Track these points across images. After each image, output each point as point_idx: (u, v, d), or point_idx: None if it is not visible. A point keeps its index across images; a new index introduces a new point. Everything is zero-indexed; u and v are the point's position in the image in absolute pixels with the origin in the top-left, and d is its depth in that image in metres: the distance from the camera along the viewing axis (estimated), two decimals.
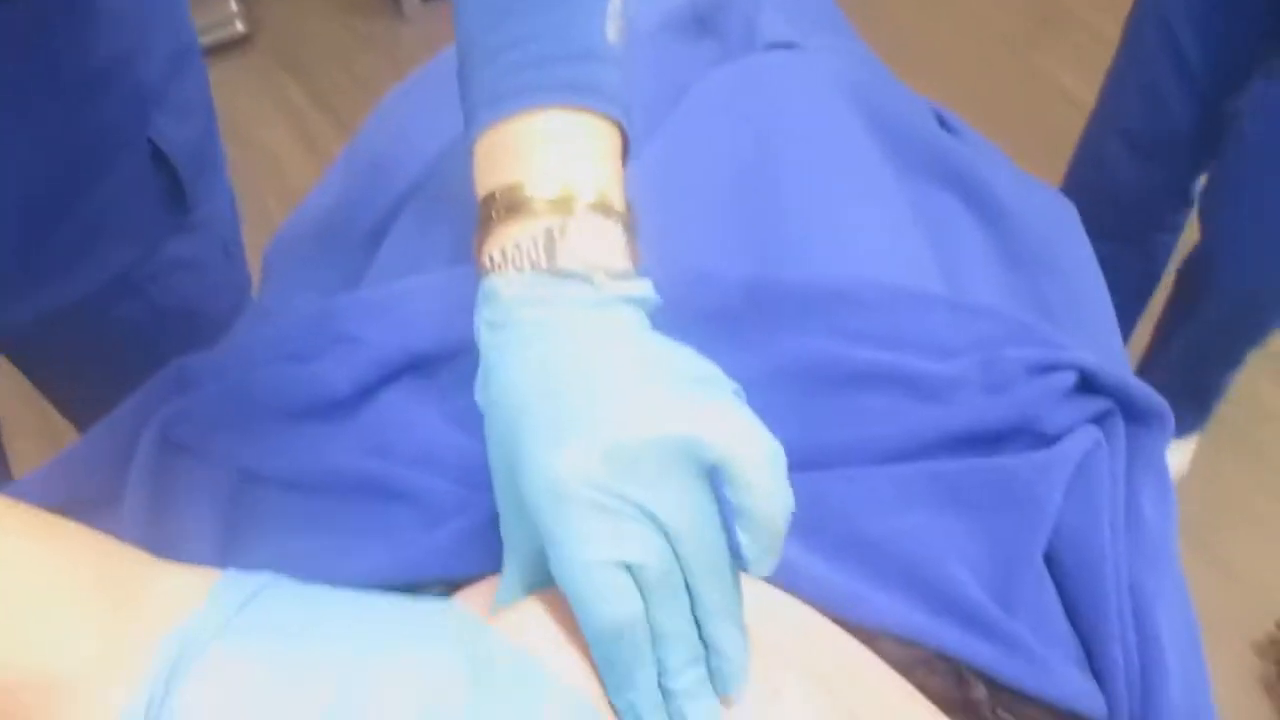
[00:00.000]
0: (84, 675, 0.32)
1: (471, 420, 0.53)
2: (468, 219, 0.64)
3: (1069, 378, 0.52)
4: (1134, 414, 0.53)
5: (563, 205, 0.44)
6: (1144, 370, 1.56)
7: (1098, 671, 0.47)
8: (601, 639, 0.36)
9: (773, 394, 0.51)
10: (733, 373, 0.51)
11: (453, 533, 0.48)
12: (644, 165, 0.64)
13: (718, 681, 0.37)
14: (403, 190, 0.70)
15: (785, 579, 0.43)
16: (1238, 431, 1.58)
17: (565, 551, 0.36)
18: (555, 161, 0.46)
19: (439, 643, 0.36)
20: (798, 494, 0.46)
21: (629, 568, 0.35)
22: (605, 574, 0.35)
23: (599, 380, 0.38)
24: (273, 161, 2.19)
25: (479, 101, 0.48)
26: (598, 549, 0.35)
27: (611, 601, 0.35)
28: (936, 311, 0.54)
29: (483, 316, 0.43)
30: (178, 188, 0.75)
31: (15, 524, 0.34)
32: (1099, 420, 0.53)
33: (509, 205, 0.44)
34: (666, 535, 0.36)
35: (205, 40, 2.23)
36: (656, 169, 0.63)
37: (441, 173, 0.68)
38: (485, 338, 0.43)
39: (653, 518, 0.36)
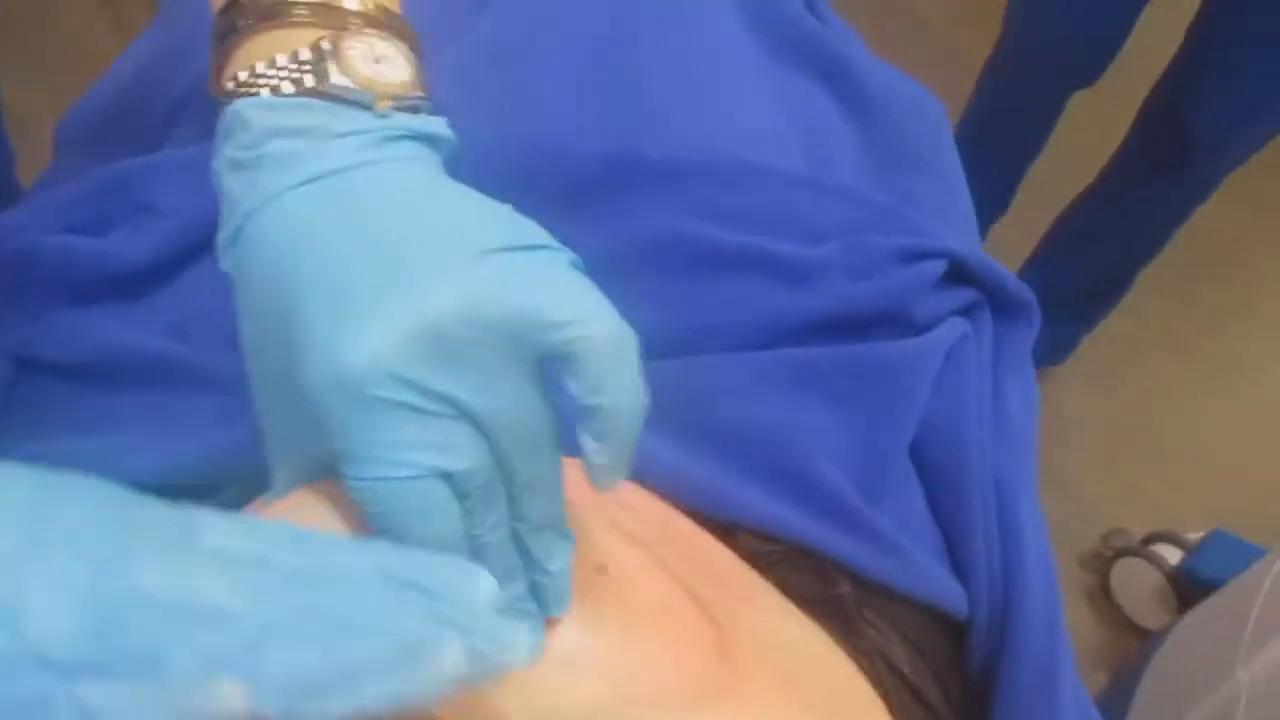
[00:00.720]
0: None
1: None
2: None
3: (938, 266, 0.50)
4: (1001, 308, 0.51)
5: (331, 13, 0.35)
6: (1034, 265, 1.55)
7: (959, 566, 0.46)
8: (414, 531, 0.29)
9: (628, 274, 0.47)
10: (586, 250, 0.46)
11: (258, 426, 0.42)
12: (486, 35, 0.58)
13: (540, 599, 0.32)
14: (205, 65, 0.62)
15: (635, 467, 0.39)
16: (1077, 350, 1.64)
17: (366, 464, 0.28)
18: None
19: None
20: (652, 379, 0.41)
21: (446, 476, 0.29)
22: (420, 488, 0.28)
23: (396, 242, 0.30)
24: (88, 57, 2.01)
25: None
26: (409, 458, 0.28)
27: (431, 521, 0.29)
28: (802, 192, 0.51)
29: (224, 154, 0.32)
30: None
31: None
32: (966, 312, 0.50)
33: (262, 12, 0.34)
34: (487, 436, 0.29)
35: None
36: (501, 38, 0.58)
37: None
38: (230, 181, 0.32)
39: (472, 416, 0.29)
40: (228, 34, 0.35)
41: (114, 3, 2.10)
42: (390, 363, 0.28)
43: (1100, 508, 1.54)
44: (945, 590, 0.44)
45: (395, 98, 0.34)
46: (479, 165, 0.47)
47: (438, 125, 0.34)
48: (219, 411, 0.42)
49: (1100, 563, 1.50)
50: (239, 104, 0.33)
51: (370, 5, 0.35)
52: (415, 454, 0.28)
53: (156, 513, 0.24)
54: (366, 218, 0.30)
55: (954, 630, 0.46)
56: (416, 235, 0.30)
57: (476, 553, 0.30)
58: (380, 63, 0.34)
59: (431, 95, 0.36)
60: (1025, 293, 0.51)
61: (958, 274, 0.51)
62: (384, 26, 0.35)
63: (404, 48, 0.35)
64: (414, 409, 0.28)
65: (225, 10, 0.35)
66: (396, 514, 0.29)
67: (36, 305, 0.47)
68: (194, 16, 0.67)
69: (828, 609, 0.40)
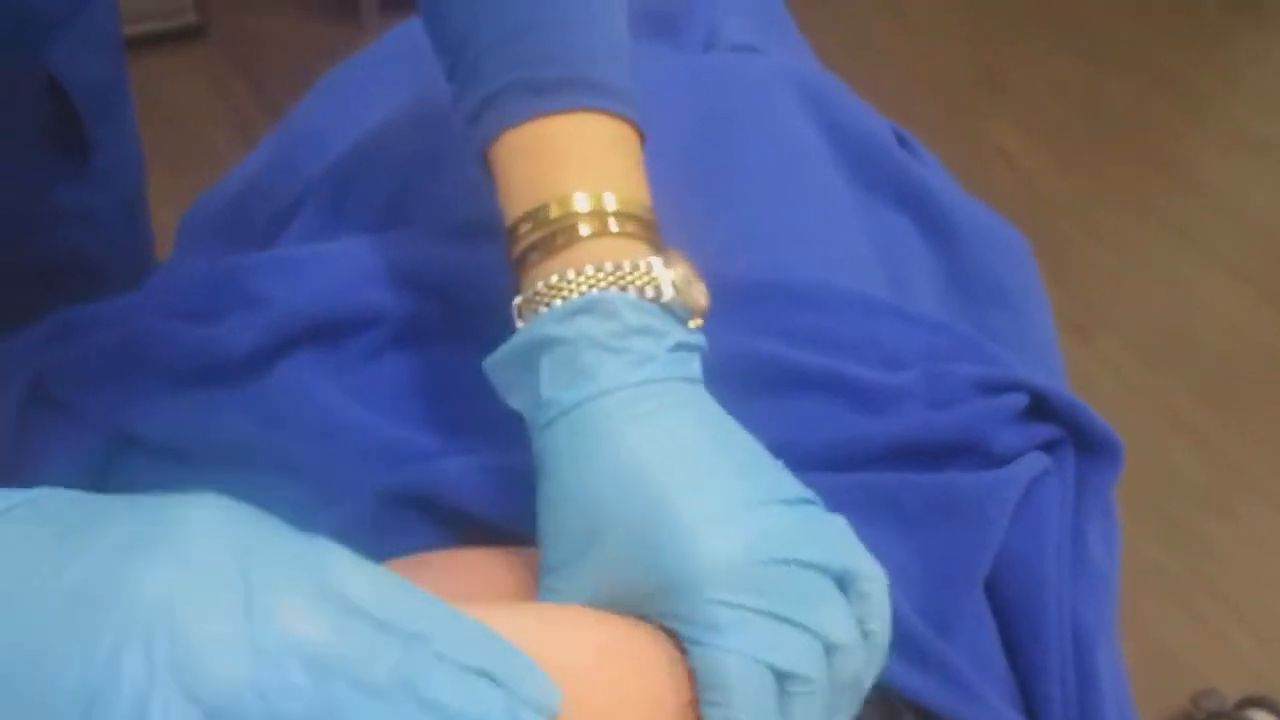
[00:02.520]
0: None
1: (374, 397, 0.48)
2: (389, 188, 0.61)
3: (1019, 400, 0.49)
4: (1084, 446, 0.51)
5: (650, 229, 0.41)
6: None
7: (1032, 712, 0.44)
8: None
9: (713, 389, 0.47)
10: None
11: (341, 516, 0.43)
12: None
13: None
14: (332, 161, 0.66)
15: None
16: (1157, 505, 1.59)
17: (718, 634, 0.32)
18: (627, 176, 0.41)
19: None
20: None
21: (780, 676, 0.32)
22: (752, 669, 0.32)
23: (738, 464, 0.36)
24: (210, 157, 2.13)
25: (491, 93, 0.42)
26: (757, 648, 0.32)
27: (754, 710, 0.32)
28: (884, 319, 0.51)
29: (588, 331, 0.37)
30: (76, 129, 0.69)
31: None
32: (1048, 448, 0.50)
33: (598, 217, 0.40)
34: (828, 655, 0.33)
35: (155, 27, 2.18)
36: None
37: (371, 143, 0.64)
38: (591, 357, 0.37)
39: (818, 634, 0.33)
40: (566, 231, 0.40)
41: (240, 111, 2.24)
42: (751, 568, 0.33)
43: (1189, 667, 1.47)
44: None
45: (701, 315, 0.40)
46: None
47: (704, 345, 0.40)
48: (307, 499, 0.44)
49: None
50: (611, 294, 0.38)
51: (656, 220, 0.41)
52: (754, 635, 0.32)
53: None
54: (711, 433, 0.37)
55: None
56: (747, 464, 0.36)
57: None
58: (691, 284, 0.40)
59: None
60: (1109, 433, 0.50)
61: (1040, 409, 0.50)
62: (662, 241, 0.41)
63: (696, 270, 0.41)
64: (759, 610, 0.32)
65: (536, 212, 0.40)
66: (727, 677, 0.32)
67: (141, 386, 0.49)
68: (311, 129, 0.71)
69: None
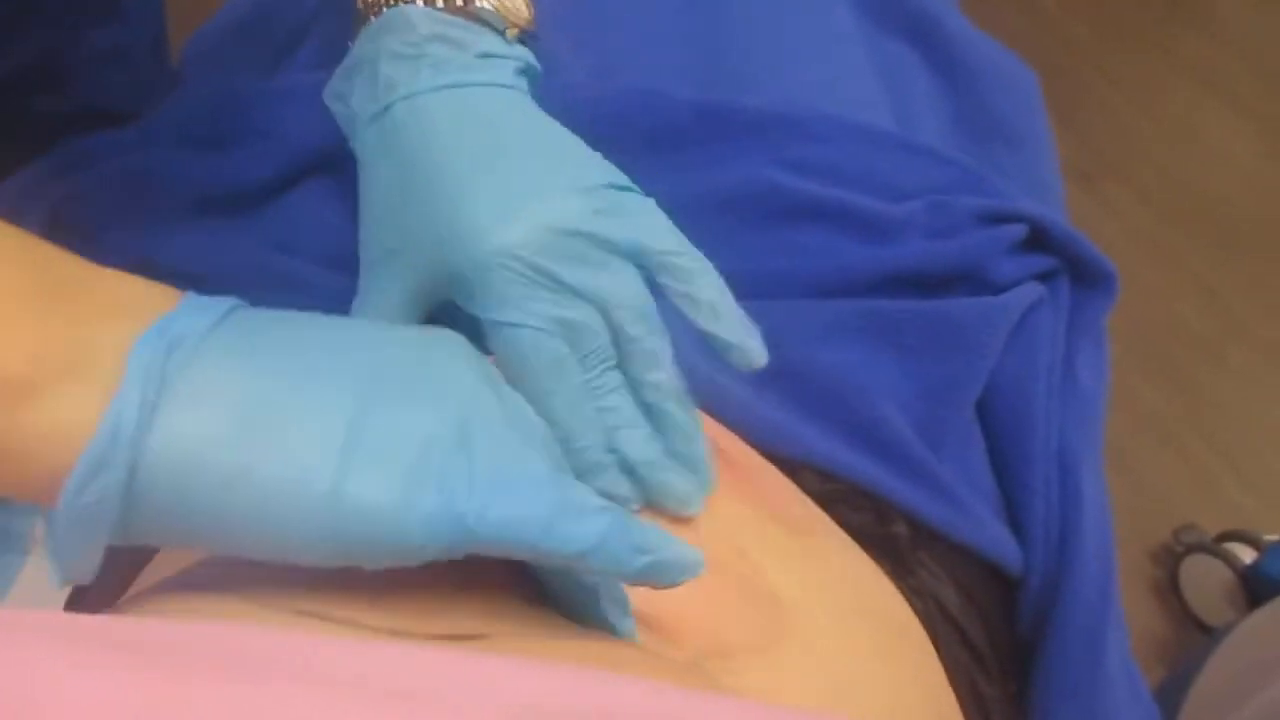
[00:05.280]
0: (27, 380, 0.25)
1: None
2: None
3: (1018, 230, 0.50)
4: (1079, 277, 0.52)
5: None
6: None
7: (1016, 525, 0.47)
8: (544, 376, 0.34)
9: (711, 218, 0.48)
10: (673, 193, 0.48)
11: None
12: None
13: (681, 463, 0.36)
14: None
15: (711, 402, 0.40)
16: (1154, 350, 1.61)
17: (505, 312, 0.34)
18: None
19: (459, 360, 0.31)
20: None
21: (569, 331, 0.34)
22: (546, 341, 0.34)
23: (533, 157, 0.37)
24: None
25: None
26: (540, 312, 0.34)
27: (556, 371, 0.34)
28: (887, 150, 0.52)
29: (386, 44, 0.39)
30: None
31: None
32: (1044, 279, 0.51)
33: None
34: (604, 313, 0.35)
35: None
36: None
37: None
38: (388, 68, 0.39)
39: (591, 297, 0.35)
40: None
41: None
42: (534, 248, 0.34)
43: (1172, 502, 1.52)
44: (1000, 544, 0.45)
45: (520, 29, 0.40)
46: (572, 103, 0.49)
47: (533, 59, 0.41)
48: None
49: (1170, 558, 1.48)
50: (405, 7, 0.39)
51: None
52: (544, 309, 0.34)
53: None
54: (508, 131, 0.38)
55: (1006, 587, 0.47)
56: (547, 155, 0.37)
57: (603, 413, 0.35)
58: None
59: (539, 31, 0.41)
60: (1105, 264, 0.51)
61: (1038, 241, 0.51)
62: None
63: None
64: (545, 286, 0.34)
65: None
66: (527, 360, 0.34)
67: (155, 214, 0.50)
68: None
69: (882, 548, 0.41)
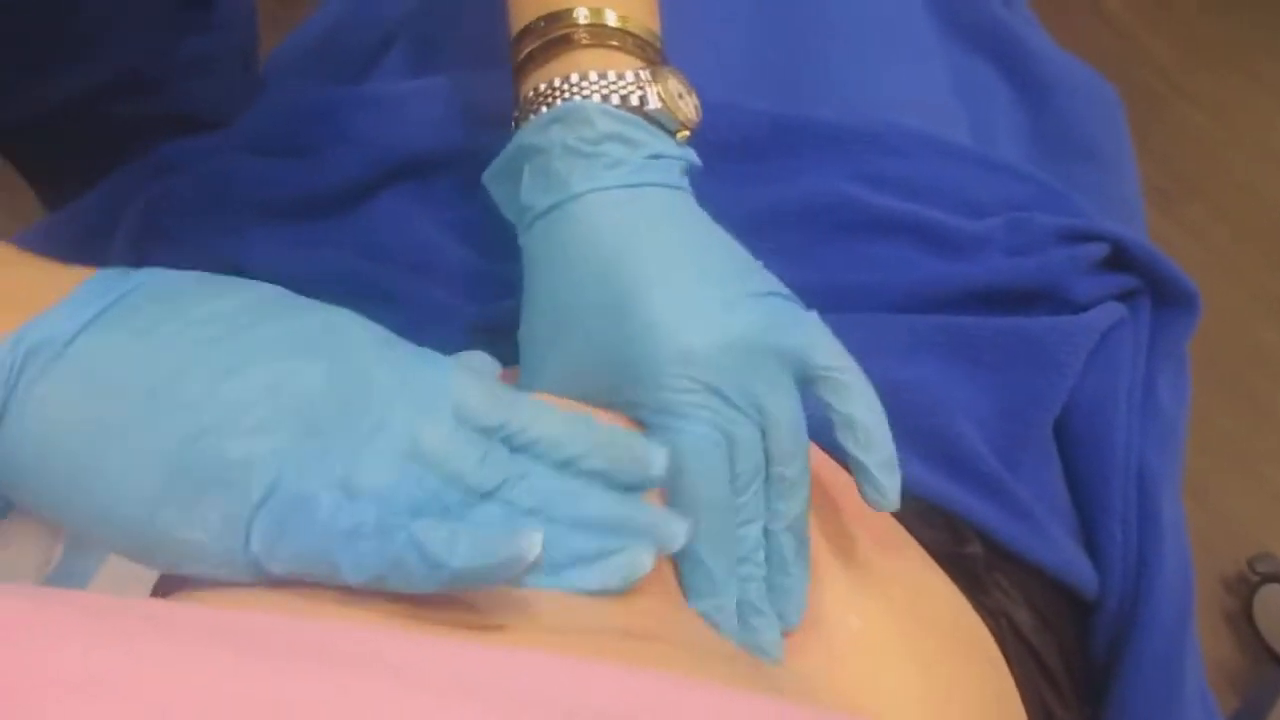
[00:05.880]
0: None
1: (468, 231, 0.50)
2: (483, 29, 0.61)
3: (1099, 249, 0.49)
4: (1161, 297, 0.51)
5: (644, 48, 0.41)
6: None
7: (1093, 548, 0.46)
8: (699, 483, 0.34)
9: (788, 231, 0.48)
10: (749, 205, 0.48)
11: (438, 342, 0.45)
12: None
13: (781, 600, 0.35)
14: (413, 6, 0.66)
15: None
16: (1232, 374, 1.57)
17: (673, 416, 0.35)
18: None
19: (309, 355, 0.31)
20: None
21: (729, 444, 0.35)
22: (707, 441, 0.34)
23: (717, 262, 0.37)
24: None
25: None
26: (705, 418, 0.34)
27: (709, 476, 0.34)
28: (966, 165, 0.51)
29: (562, 139, 0.39)
30: None
31: None
32: (1125, 299, 0.50)
33: (593, 30, 0.41)
34: (763, 432, 0.35)
35: None
36: None
37: None
38: (565, 163, 0.39)
39: (756, 412, 0.35)
40: (560, 41, 0.41)
41: None
42: (714, 362, 0.35)
43: (1248, 530, 1.48)
44: (1076, 566, 0.44)
45: (690, 130, 0.41)
46: None
47: (696, 159, 0.41)
48: (405, 326, 0.46)
49: (1244, 586, 1.44)
50: (584, 103, 0.39)
51: (659, 40, 0.43)
52: (710, 416, 0.34)
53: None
54: (683, 234, 0.38)
55: (1079, 610, 0.46)
56: (722, 261, 0.38)
57: (739, 539, 0.35)
58: (682, 99, 0.41)
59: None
60: (1187, 284, 0.51)
61: (1119, 260, 0.51)
62: (668, 61, 0.42)
63: (690, 86, 0.42)
64: (716, 393, 0.35)
65: (539, 23, 0.41)
66: (686, 461, 0.34)
67: (240, 218, 0.52)
68: None
69: (957, 567, 0.41)
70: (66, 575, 0.63)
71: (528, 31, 0.42)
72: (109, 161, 0.60)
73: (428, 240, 0.49)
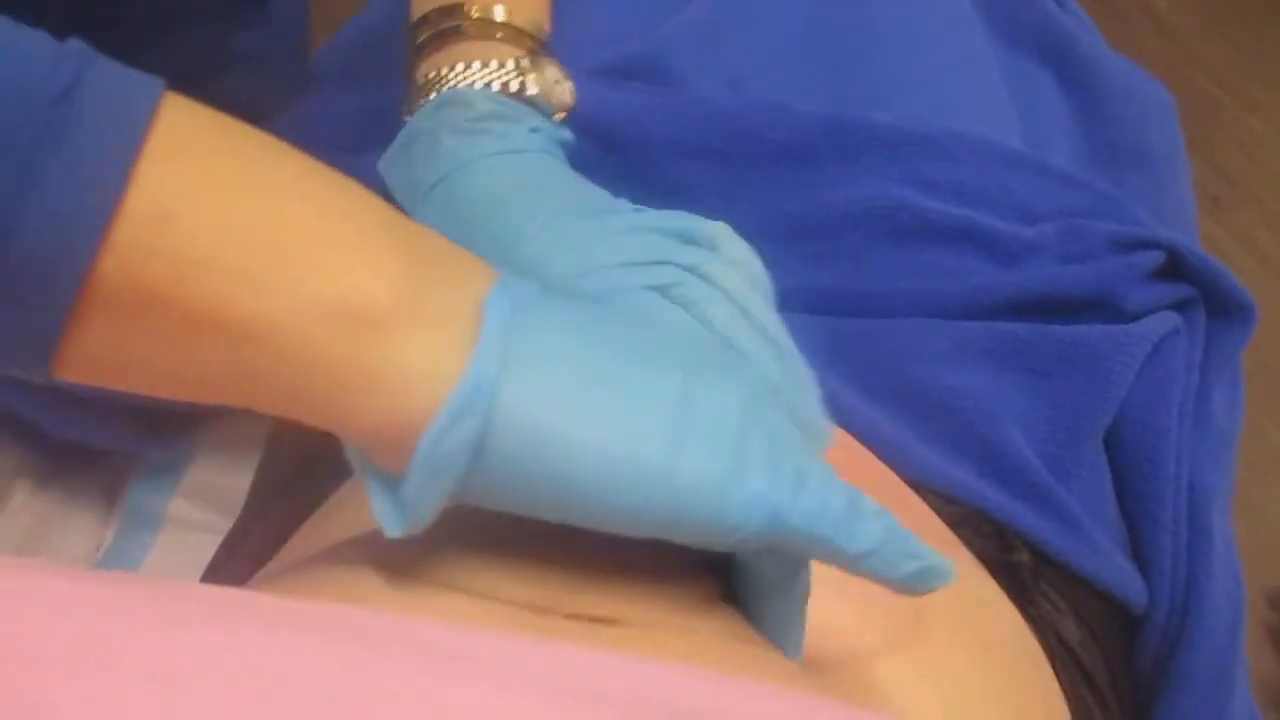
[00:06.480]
0: (391, 313, 0.25)
1: None
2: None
3: (1154, 258, 0.49)
4: (1216, 308, 0.50)
5: (520, 38, 0.45)
6: None
7: (1141, 560, 0.45)
8: None
9: (840, 234, 0.48)
10: (801, 208, 0.48)
11: None
12: None
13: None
14: None
15: (838, 418, 0.40)
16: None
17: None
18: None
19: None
20: (854, 338, 0.43)
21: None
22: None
23: (586, 203, 0.38)
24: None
25: None
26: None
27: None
28: (1019, 171, 0.51)
29: (444, 117, 0.42)
30: None
31: (298, 158, 0.28)
32: (1180, 308, 0.49)
33: (480, 24, 0.44)
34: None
35: None
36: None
37: None
38: (453, 139, 0.41)
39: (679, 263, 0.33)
40: (450, 34, 0.44)
41: None
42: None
43: None
44: (1125, 578, 0.44)
45: (565, 113, 0.44)
46: (705, 120, 0.49)
47: (571, 136, 0.45)
48: None
49: None
50: (465, 90, 0.42)
51: (543, 34, 0.46)
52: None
53: None
54: (556, 184, 0.39)
55: (1127, 622, 0.46)
56: (599, 204, 0.37)
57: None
58: (558, 84, 0.44)
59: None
60: (1244, 295, 0.50)
61: (1174, 269, 0.50)
62: (552, 53, 0.46)
63: (567, 74, 0.45)
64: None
65: (433, 15, 0.45)
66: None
67: None
68: None
69: (1005, 575, 0.41)
70: (115, 562, 0.65)
71: (423, 22, 0.45)
72: None
73: None
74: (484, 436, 0.25)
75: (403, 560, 0.28)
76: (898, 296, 0.47)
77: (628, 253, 0.32)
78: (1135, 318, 0.48)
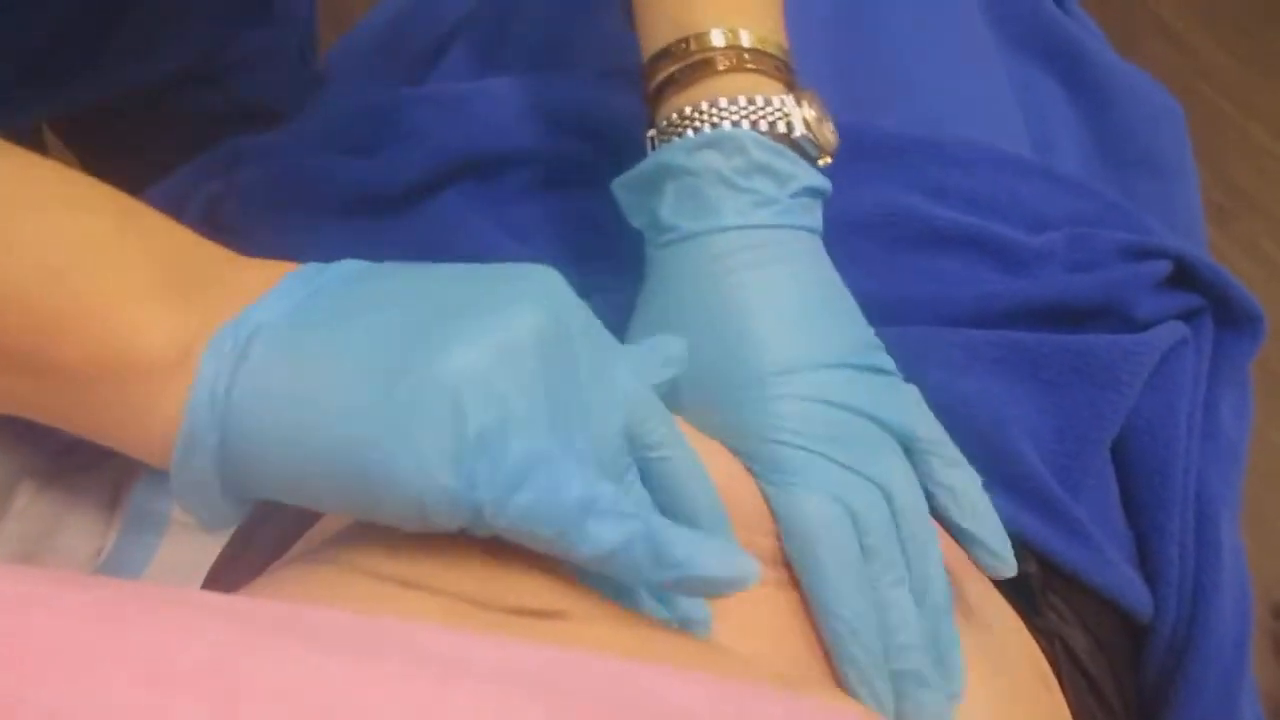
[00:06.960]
0: (155, 364, 0.28)
1: (528, 232, 0.50)
2: (545, 31, 0.61)
3: (1163, 267, 0.49)
4: (1224, 317, 0.50)
5: (784, 68, 0.42)
6: None
7: (1148, 571, 0.45)
8: (828, 559, 0.34)
9: (846, 240, 0.48)
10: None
11: None
12: None
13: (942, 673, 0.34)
14: (472, 6, 0.67)
15: None
16: None
17: (789, 473, 0.35)
18: (765, 16, 0.42)
19: (527, 310, 0.29)
20: None
21: (852, 515, 0.34)
22: (827, 509, 0.34)
23: (824, 311, 0.38)
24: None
25: None
26: (830, 488, 0.35)
27: (835, 546, 0.34)
28: (1027, 178, 0.51)
29: (708, 159, 0.39)
30: None
31: (97, 202, 0.31)
32: (1188, 318, 0.49)
33: (733, 53, 0.41)
34: (887, 499, 0.35)
35: None
36: None
37: None
38: (717, 191, 0.39)
39: (878, 483, 0.35)
40: (701, 65, 0.41)
41: None
42: (804, 415, 0.35)
43: None
44: (1132, 589, 0.43)
45: (829, 154, 0.41)
46: None
47: (829, 186, 0.42)
48: None
49: None
50: (738, 131, 0.39)
51: (790, 59, 0.42)
52: (827, 483, 0.35)
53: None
54: (805, 284, 0.39)
55: (1134, 633, 0.46)
56: (835, 324, 0.38)
57: (879, 604, 0.34)
58: (823, 123, 0.41)
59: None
60: (1253, 305, 0.49)
61: (1182, 278, 0.50)
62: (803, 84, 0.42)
63: (825, 107, 0.42)
64: (825, 458, 0.35)
65: (675, 48, 0.42)
66: (802, 523, 0.34)
67: (303, 215, 0.52)
68: None
69: (1012, 586, 0.40)
70: (118, 565, 0.64)
71: (666, 54, 0.42)
72: (171, 156, 0.61)
73: (488, 240, 0.49)
74: (223, 455, 0.28)
75: (359, 558, 0.29)
76: (907, 303, 0.47)
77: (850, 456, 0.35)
78: (1144, 327, 0.47)
